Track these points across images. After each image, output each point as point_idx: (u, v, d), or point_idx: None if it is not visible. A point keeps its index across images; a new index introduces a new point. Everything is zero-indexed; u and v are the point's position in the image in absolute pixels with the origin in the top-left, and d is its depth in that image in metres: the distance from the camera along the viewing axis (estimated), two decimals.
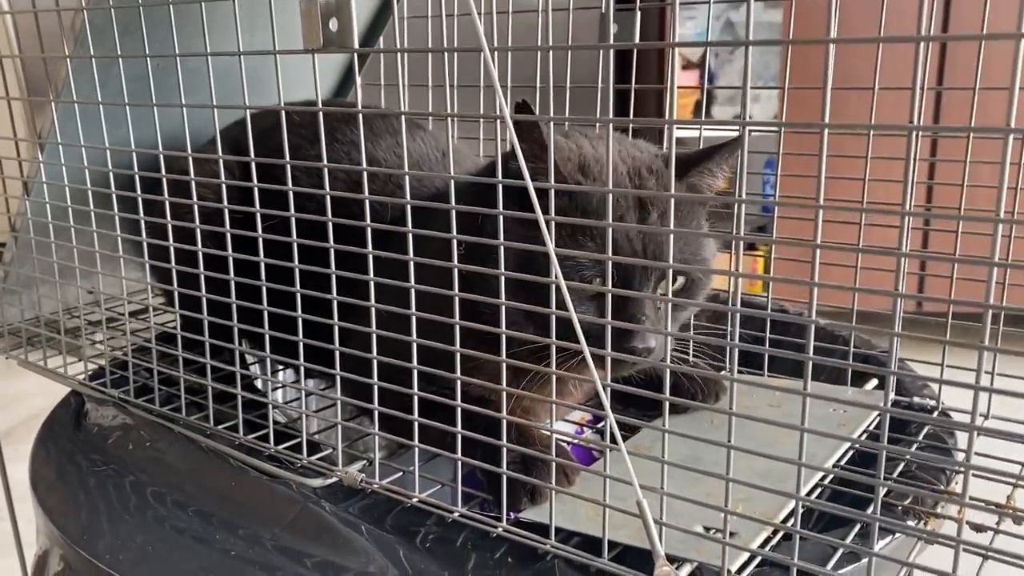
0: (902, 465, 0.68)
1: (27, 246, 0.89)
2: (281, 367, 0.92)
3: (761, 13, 2.79)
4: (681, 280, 0.68)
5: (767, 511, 0.58)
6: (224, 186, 0.73)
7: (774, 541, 0.58)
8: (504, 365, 0.59)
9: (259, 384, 0.93)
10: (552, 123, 0.62)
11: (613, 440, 0.54)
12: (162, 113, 0.74)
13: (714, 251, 0.72)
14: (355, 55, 1.11)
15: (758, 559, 0.56)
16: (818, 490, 0.65)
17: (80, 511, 0.67)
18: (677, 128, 0.54)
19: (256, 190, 0.69)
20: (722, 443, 0.51)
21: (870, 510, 0.49)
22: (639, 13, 0.88)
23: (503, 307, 0.58)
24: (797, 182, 0.91)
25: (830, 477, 0.65)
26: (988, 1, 0.73)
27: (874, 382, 0.81)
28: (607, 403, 0.53)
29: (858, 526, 0.59)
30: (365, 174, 0.64)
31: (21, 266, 0.92)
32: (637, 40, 0.90)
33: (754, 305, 0.97)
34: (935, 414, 0.77)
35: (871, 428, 0.74)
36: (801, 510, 0.59)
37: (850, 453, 0.70)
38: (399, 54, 0.59)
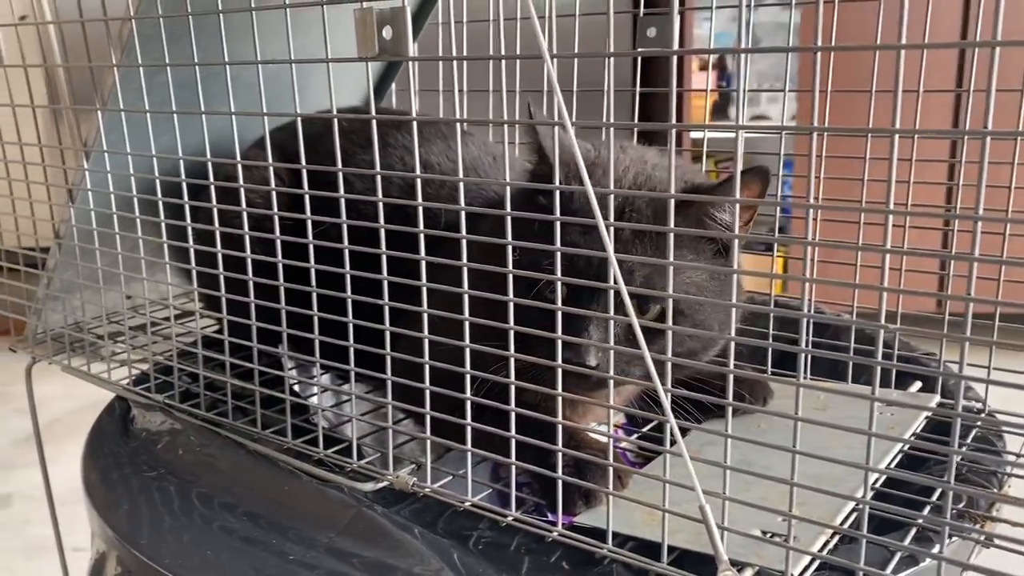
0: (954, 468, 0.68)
1: (71, 253, 0.90)
2: (322, 371, 0.92)
3: (778, 14, 2.79)
4: (656, 309, 0.66)
5: (824, 515, 0.59)
6: (274, 191, 0.74)
7: (831, 545, 0.58)
8: (559, 369, 0.59)
9: (298, 388, 0.93)
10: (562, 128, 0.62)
11: (667, 443, 0.54)
12: (213, 120, 0.75)
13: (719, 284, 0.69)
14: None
15: (816, 563, 0.56)
16: (869, 493, 0.65)
17: (137, 515, 0.67)
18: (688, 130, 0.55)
19: (307, 195, 0.70)
20: (787, 448, 0.51)
21: (925, 511, 0.49)
22: (677, 17, 0.88)
23: (559, 312, 0.59)
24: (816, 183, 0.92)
25: (881, 481, 0.65)
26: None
27: (918, 384, 0.81)
28: (668, 408, 0.53)
29: (914, 530, 0.59)
30: (418, 181, 0.65)
31: (63, 272, 0.93)
32: (676, 46, 0.90)
33: (786, 307, 0.97)
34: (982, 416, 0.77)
35: (919, 431, 0.74)
36: (855, 514, 0.60)
37: (899, 456, 0.70)
38: (455, 62, 0.60)
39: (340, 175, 0.68)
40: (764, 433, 0.73)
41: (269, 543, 0.63)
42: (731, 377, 0.52)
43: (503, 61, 0.79)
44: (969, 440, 0.72)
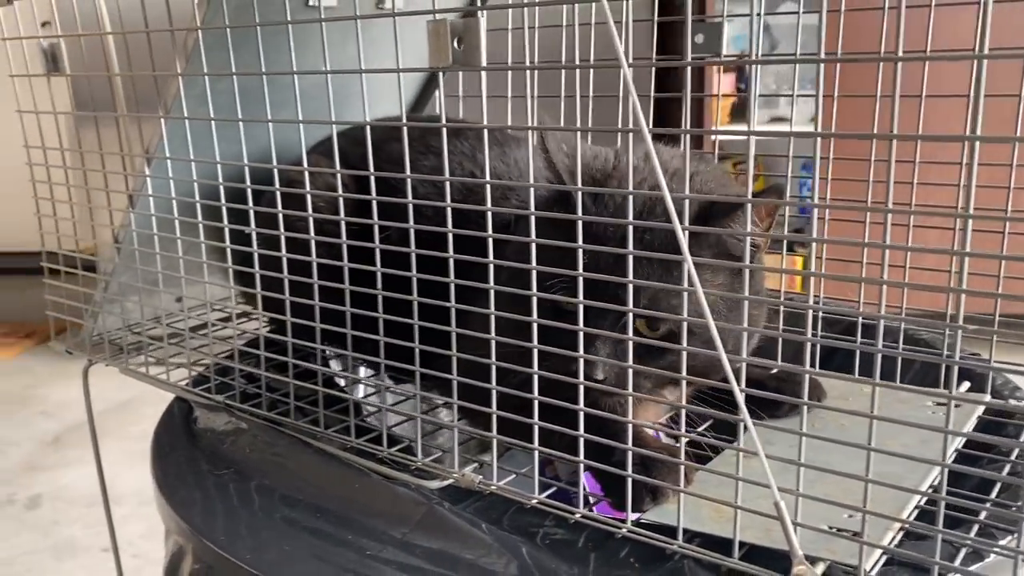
0: (1008, 466, 0.69)
1: (130, 257, 0.92)
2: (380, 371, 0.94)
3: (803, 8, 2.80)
4: (665, 327, 0.68)
5: (890, 511, 0.60)
6: (339, 196, 0.76)
7: (897, 539, 0.60)
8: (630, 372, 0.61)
9: (356, 388, 0.95)
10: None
11: (740, 441, 0.56)
12: (261, 127, 0.77)
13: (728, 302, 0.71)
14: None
15: (884, 558, 0.58)
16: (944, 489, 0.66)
17: (212, 512, 0.69)
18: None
19: (373, 201, 0.72)
20: (863, 445, 0.53)
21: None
22: (726, 24, 0.90)
23: (630, 315, 0.60)
24: (836, 185, 0.94)
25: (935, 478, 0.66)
26: None
27: (967, 384, 0.83)
28: (743, 406, 0.55)
29: (976, 526, 0.61)
30: (488, 186, 0.66)
31: (120, 276, 0.95)
32: (723, 55, 0.91)
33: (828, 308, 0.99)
34: None
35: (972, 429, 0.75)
36: (917, 510, 0.62)
37: (954, 455, 0.72)
38: (528, 71, 0.62)
39: (408, 181, 0.70)
40: (820, 432, 0.75)
41: (345, 538, 0.65)
42: (807, 378, 0.54)
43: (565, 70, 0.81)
44: (1022, 439, 0.74)
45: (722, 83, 2.85)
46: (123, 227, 0.92)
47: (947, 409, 0.50)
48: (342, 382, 0.96)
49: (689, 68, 0.56)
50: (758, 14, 0.56)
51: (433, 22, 0.63)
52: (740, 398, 0.55)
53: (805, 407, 0.55)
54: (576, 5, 0.67)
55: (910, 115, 0.80)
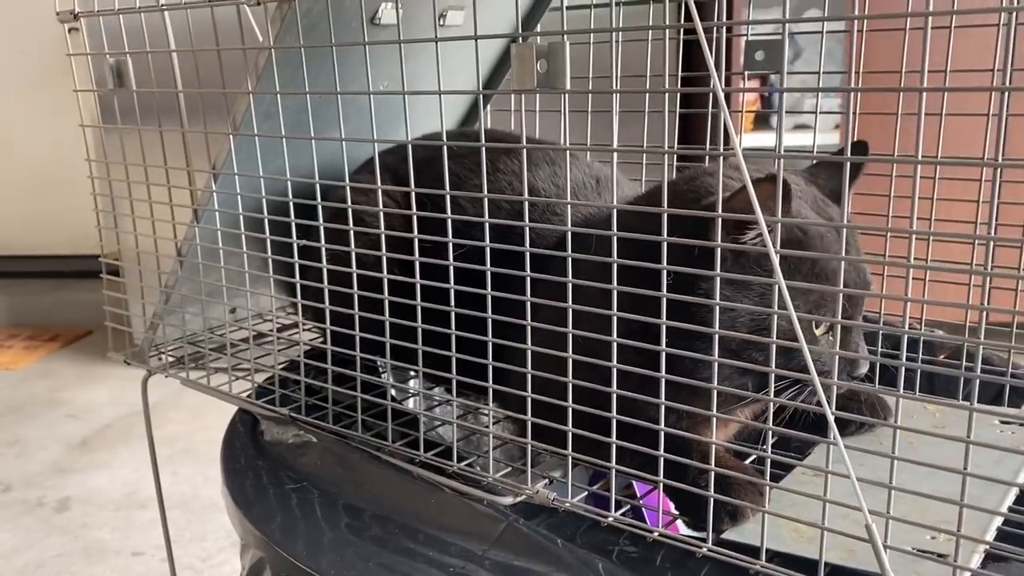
0: None
1: (193, 269, 0.93)
2: (445, 387, 0.95)
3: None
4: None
5: (974, 531, 0.61)
6: (407, 215, 0.76)
7: (979, 561, 0.60)
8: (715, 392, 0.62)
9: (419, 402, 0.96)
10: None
11: (828, 463, 0.57)
12: (315, 144, 0.78)
13: None
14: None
15: None
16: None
17: (292, 527, 0.70)
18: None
19: (442, 219, 0.73)
20: (957, 470, 0.53)
21: None
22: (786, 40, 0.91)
23: (716, 336, 0.61)
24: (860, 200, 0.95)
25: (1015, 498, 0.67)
26: None
27: None
28: (834, 426, 0.55)
29: None
30: (569, 207, 0.67)
31: (182, 288, 0.96)
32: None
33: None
34: None
35: None
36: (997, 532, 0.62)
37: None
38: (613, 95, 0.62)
39: (448, 198, 0.71)
40: (885, 449, 0.75)
41: (427, 555, 0.66)
42: (899, 401, 0.55)
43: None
44: None
45: (744, 94, 2.85)
46: (186, 241, 0.93)
47: None
48: (396, 393, 0.97)
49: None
50: (782, 32, 0.57)
51: (518, 45, 0.64)
52: (831, 419, 0.55)
53: (896, 431, 0.55)
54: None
55: (931, 130, 0.81)
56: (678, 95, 1.04)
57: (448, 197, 0.72)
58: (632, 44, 0.97)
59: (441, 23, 0.94)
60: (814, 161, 0.83)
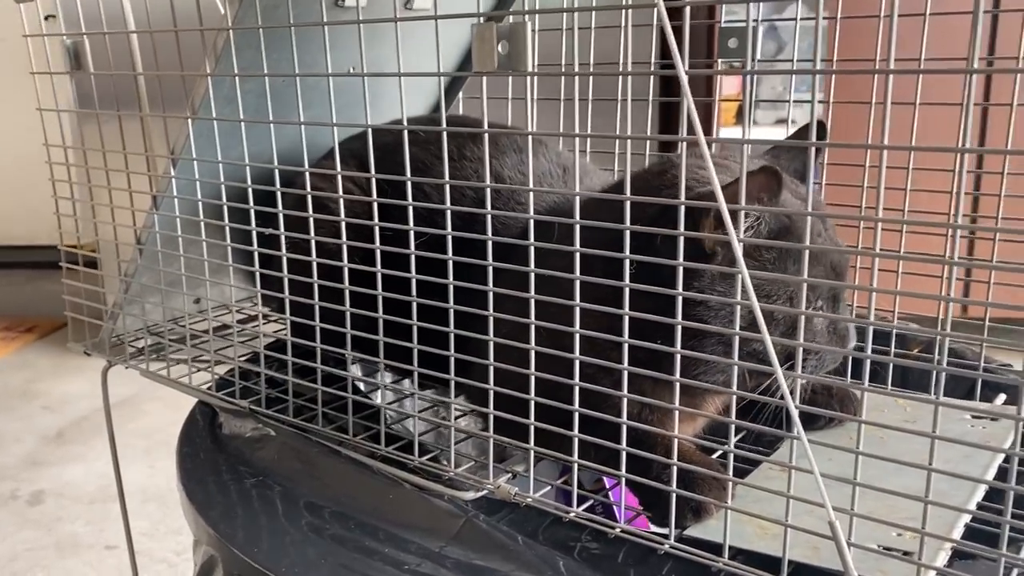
0: None
1: (152, 258, 0.90)
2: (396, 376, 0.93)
3: (806, 14, 2.79)
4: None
5: (939, 530, 0.59)
6: (370, 203, 0.74)
7: (945, 559, 0.59)
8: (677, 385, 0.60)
9: (365, 390, 0.94)
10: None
11: (792, 459, 0.55)
12: (280, 128, 0.76)
13: None
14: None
15: None
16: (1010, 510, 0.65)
17: (249, 523, 0.68)
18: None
19: (404, 207, 0.71)
20: (922, 466, 0.52)
21: None
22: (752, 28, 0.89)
23: (678, 328, 0.59)
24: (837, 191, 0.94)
25: (984, 495, 0.66)
26: None
27: (1003, 396, 0.82)
28: (797, 421, 0.54)
29: None
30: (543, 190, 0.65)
31: (142, 277, 0.93)
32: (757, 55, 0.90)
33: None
34: None
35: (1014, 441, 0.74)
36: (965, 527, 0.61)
37: (997, 469, 0.71)
38: (575, 77, 0.60)
39: (409, 186, 0.69)
40: (854, 445, 0.74)
41: (382, 551, 0.64)
42: (864, 395, 0.53)
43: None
44: None
45: (728, 85, 2.84)
46: (146, 228, 0.90)
47: (1016, 427, 0.49)
48: (362, 387, 0.95)
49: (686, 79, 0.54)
50: (755, 20, 0.56)
51: (479, 25, 0.61)
52: (795, 414, 0.54)
53: (861, 425, 0.54)
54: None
55: (906, 120, 0.80)
56: (657, 82, 1.02)
57: (409, 184, 0.69)
58: (608, 31, 0.95)
59: (409, 6, 0.91)
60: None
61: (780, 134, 1.12)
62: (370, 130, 0.71)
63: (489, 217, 0.66)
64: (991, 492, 0.65)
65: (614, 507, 0.76)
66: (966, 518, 0.60)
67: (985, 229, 0.92)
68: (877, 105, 0.82)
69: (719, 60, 0.90)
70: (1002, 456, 0.69)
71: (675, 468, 0.61)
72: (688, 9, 0.54)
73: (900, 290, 0.80)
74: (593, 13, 0.82)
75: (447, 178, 0.70)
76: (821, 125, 0.73)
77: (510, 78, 1.01)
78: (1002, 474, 0.71)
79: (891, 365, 0.85)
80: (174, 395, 0.95)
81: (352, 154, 0.86)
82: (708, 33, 2.60)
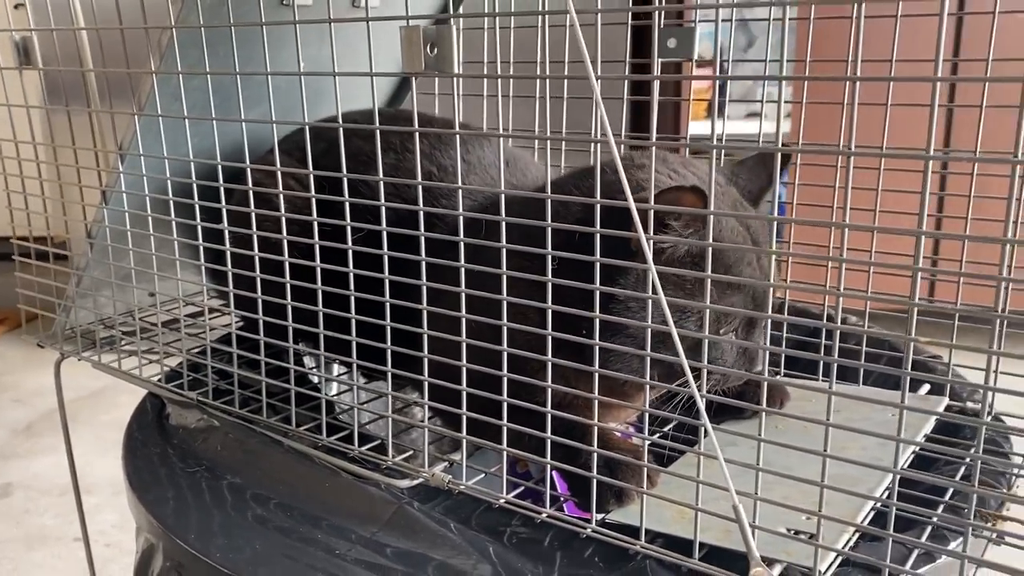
0: (963, 469, 0.72)
1: (102, 252, 0.92)
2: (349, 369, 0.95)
3: (777, 10, 2.82)
4: None
5: (845, 514, 0.62)
6: (306, 197, 0.76)
7: (851, 542, 0.62)
8: (596, 375, 0.62)
9: (326, 386, 0.96)
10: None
11: (700, 445, 0.58)
12: (227, 124, 0.78)
13: None
14: None
15: (839, 560, 0.60)
16: (884, 494, 0.68)
17: (184, 510, 0.70)
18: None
19: (343, 202, 0.73)
20: (818, 452, 0.54)
21: (939, 510, 0.53)
22: (697, 28, 0.91)
23: (596, 322, 0.61)
24: (809, 190, 0.96)
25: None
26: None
27: (927, 387, 0.85)
28: (704, 412, 0.56)
29: (929, 528, 0.63)
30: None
31: (94, 271, 0.95)
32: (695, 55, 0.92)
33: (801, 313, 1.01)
34: (988, 419, 0.81)
35: (928, 432, 0.77)
36: (873, 513, 0.64)
37: (911, 457, 0.74)
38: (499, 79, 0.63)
39: (345, 181, 0.71)
40: (782, 434, 0.77)
41: (314, 538, 0.66)
42: (764, 385, 0.55)
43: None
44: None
45: (696, 81, 2.86)
46: (96, 223, 0.92)
47: (899, 418, 0.52)
48: (315, 379, 0.97)
49: (656, 80, 0.57)
50: (725, 20, 0.58)
51: (407, 28, 0.63)
52: (701, 403, 0.56)
53: (764, 413, 0.56)
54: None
55: (878, 122, 0.82)
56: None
57: (345, 181, 0.71)
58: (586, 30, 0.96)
59: (356, 4, 0.93)
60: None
61: (752, 127, 1.15)
62: (306, 128, 0.73)
63: (421, 214, 0.68)
64: (907, 479, 0.68)
65: (555, 494, 0.79)
66: (870, 503, 0.63)
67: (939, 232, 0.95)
68: (847, 106, 0.84)
69: (659, 60, 0.92)
70: (912, 446, 0.72)
71: (595, 455, 0.64)
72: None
73: (829, 288, 0.83)
74: (512, 19, 0.84)
75: (384, 173, 0.72)
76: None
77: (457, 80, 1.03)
78: (919, 462, 0.74)
79: (821, 355, 0.88)
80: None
81: (298, 146, 0.88)
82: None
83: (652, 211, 0.60)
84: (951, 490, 0.67)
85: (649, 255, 0.55)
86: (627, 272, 0.67)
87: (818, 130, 0.93)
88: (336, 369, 0.98)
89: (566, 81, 0.95)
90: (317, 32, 0.78)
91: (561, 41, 0.89)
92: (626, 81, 1.00)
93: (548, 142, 0.69)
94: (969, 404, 0.83)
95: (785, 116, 2.66)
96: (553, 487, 0.91)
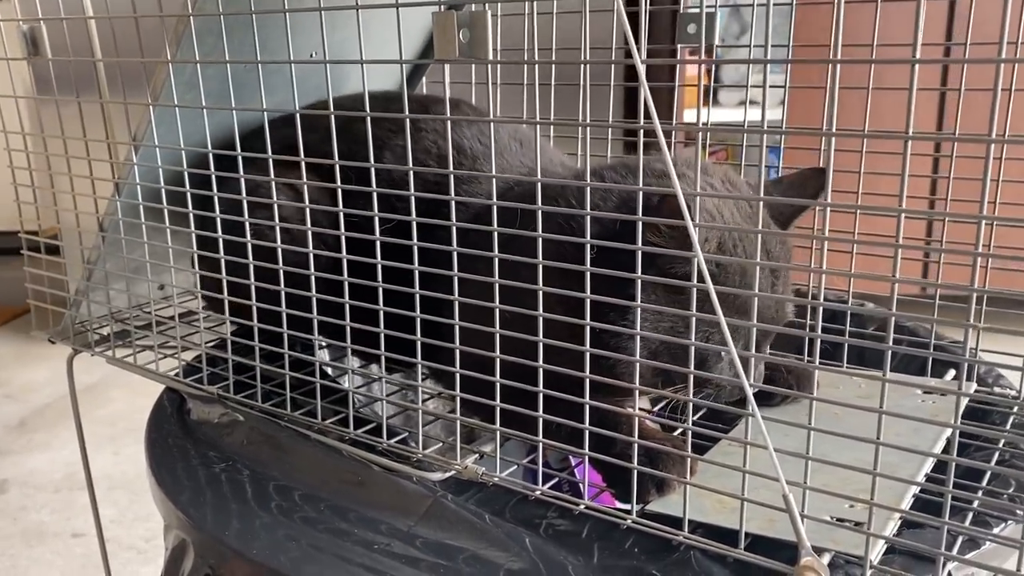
0: (997, 454, 0.72)
1: (116, 245, 0.90)
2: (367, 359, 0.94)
3: None
4: None
5: (889, 501, 0.62)
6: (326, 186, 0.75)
7: (895, 528, 0.61)
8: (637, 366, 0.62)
9: (338, 375, 0.95)
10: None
11: (747, 434, 0.57)
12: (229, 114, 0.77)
13: None
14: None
15: (884, 547, 0.59)
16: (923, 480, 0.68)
17: (219, 508, 0.69)
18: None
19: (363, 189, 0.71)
20: (872, 440, 0.54)
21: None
22: (719, 12, 0.91)
23: (638, 311, 0.61)
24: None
25: (932, 467, 0.68)
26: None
27: (952, 372, 0.85)
28: (751, 397, 0.56)
29: (971, 514, 0.63)
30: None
31: (106, 264, 0.93)
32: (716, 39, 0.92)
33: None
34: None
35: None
36: (914, 498, 0.63)
37: (945, 443, 0.73)
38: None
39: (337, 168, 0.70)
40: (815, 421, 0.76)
41: (353, 533, 0.65)
42: (816, 374, 0.55)
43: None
44: (1008, 426, 0.76)
45: (691, 68, 2.86)
46: (107, 215, 0.90)
47: (956, 405, 0.51)
48: (329, 371, 0.95)
49: (643, 68, 0.56)
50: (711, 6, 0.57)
51: (439, 13, 0.62)
52: (749, 392, 0.56)
53: (812, 402, 0.56)
54: None
55: (861, 105, 0.82)
56: (621, 67, 1.03)
57: (337, 168, 0.70)
58: (570, 16, 0.95)
59: None
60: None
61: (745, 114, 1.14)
62: (297, 115, 0.72)
63: (453, 204, 0.67)
64: (938, 464, 0.68)
65: (580, 484, 0.78)
66: (914, 489, 0.63)
67: (936, 215, 0.95)
68: (817, 91, 0.84)
69: (679, 46, 0.91)
70: (949, 430, 0.72)
71: (636, 446, 0.63)
72: None
73: (854, 272, 0.83)
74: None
75: (399, 156, 0.70)
76: (821, 171, 0.74)
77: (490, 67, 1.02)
78: (950, 447, 0.74)
79: (845, 344, 0.88)
80: (139, 381, 0.95)
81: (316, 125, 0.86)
82: (672, 19, 2.61)
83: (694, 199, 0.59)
84: (988, 474, 0.67)
85: (697, 245, 0.54)
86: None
87: (806, 115, 0.93)
88: (353, 362, 0.97)
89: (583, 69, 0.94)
90: (327, 19, 0.76)
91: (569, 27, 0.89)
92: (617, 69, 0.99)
93: (579, 129, 0.68)
94: (997, 389, 0.83)
95: (779, 103, 2.66)
96: (572, 471, 0.91)
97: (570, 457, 0.97)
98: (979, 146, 0.46)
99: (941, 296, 0.80)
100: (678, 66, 1.24)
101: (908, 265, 0.80)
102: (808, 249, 0.92)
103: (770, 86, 0.62)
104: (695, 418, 0.81)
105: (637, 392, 0.63)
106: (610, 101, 1.00)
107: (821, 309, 0.53)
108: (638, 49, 0.54)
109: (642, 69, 0.54)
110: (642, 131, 0.58)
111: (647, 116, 0.56)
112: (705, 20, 0.91)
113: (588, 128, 0.65)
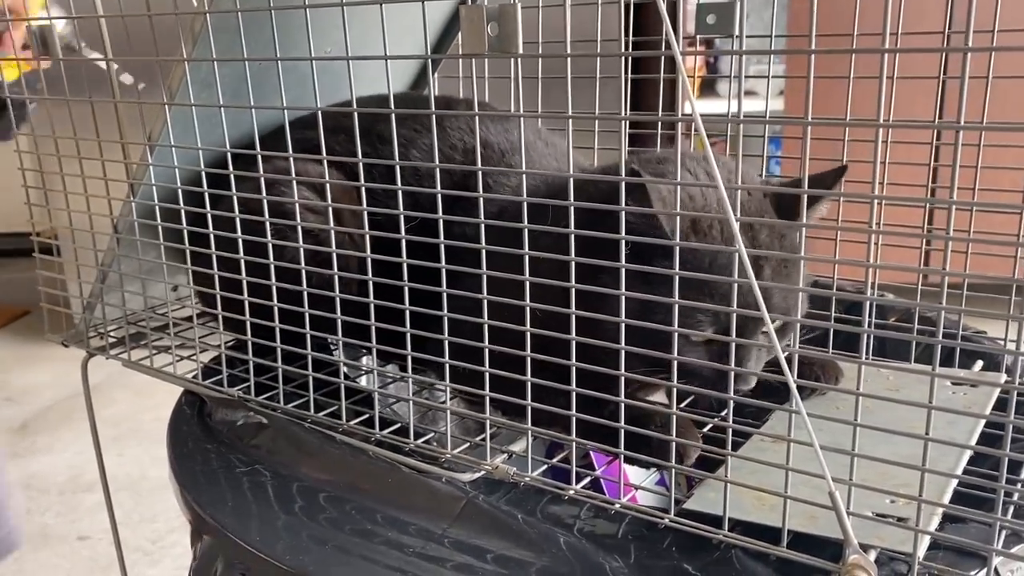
0: None
1: (130, 247, 0.89)
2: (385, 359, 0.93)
3: None
4: (779, 322, 0.70)
5: (932, 495, 0.61)
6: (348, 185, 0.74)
7: (936, 523, 0.61)
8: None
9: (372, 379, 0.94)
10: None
11: (790, 431, 0.56)
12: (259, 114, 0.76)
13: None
14: None
15: (928, 543, 0.59)
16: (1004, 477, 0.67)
17: (244, 511, 0.68)
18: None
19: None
20: (920, 435, 0.53)
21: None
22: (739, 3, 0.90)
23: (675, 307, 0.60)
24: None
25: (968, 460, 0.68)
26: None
27: (980, 363, 0.84)
28: (796, 393, 0.55)
29: (1012, 507, 0.62)
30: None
31: (120, 266, 0.92)
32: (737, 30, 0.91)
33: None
34: None
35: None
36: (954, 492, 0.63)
37: (980, 434, 0.73)
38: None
39: (397, 169, 0.69)
40: (843, 414, 0.75)
41: (385, 536, 0.64)
42: (861, 367, 0.54)
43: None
44: None
45: (692, 59, 2.86)
46: (122, 217, 0.89)
47: (1011, 396, 0.50)
48: (354, 373, 0.94)
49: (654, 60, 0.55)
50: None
51: (467, 8, 0.61)
52: (794, 388, 0.55)
53: (859, 398, 0.55)
54: None
55: (872, 92, 0.81)
56: (628, 60, 1.03)
57: (361, 165, 0.69)
58: (582, 8, 0.94)
59: None
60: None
61: (747, 106, 1.14)
62: (319, 113, 0.71)
63: (481, 202, 0.66)
64: (973, 457, 0.67)
65: (604, 483, 0.77)
66: (954, 483, 0.62)
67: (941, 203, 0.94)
68: (817, 80, 0.83)
69: (698, 36, 0.91)
70: (983, 422, 0.72)
71: (674, 417, 0.62)
72: None
73: (864, 261, 0.82)
74: None
75: (423, 153, 0.69)
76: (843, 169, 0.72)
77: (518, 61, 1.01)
78: (984, 439, 0.73)
79: (870, 335, 0.87)
80: (142, 383, 0.94)
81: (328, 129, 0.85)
82: (672, 9, 2.61)
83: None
84: None
85: (738, 237, 0.53)
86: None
87: (815, 107, 0.92)
88: (366, 361, 0.96)
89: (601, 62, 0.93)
90: (330, 17, 0.75)
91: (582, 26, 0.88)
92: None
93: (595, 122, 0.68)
94: None
95: (779, 93, 2.66)
96: (591, 466, 0.90)
97: (591, 453, 0.96)
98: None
99: (956, 285, 0.79)
100: (687, 58, 1.23)
101: (935, 255, 0.80)
102: (830, 241, 0.92)
103: (753, 76, 0.61)
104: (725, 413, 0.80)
105: (675, 390, 0.62)
106: (622, 95, 0.99)
107: (868, 303, 0.53)
108: (676, 41, 0.53)
109: (680, 61, 0.53)
110: (675, 123, 0.57)
111: (671, 108, 0.55)
112: (723, 11, 0.91)
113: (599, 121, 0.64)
